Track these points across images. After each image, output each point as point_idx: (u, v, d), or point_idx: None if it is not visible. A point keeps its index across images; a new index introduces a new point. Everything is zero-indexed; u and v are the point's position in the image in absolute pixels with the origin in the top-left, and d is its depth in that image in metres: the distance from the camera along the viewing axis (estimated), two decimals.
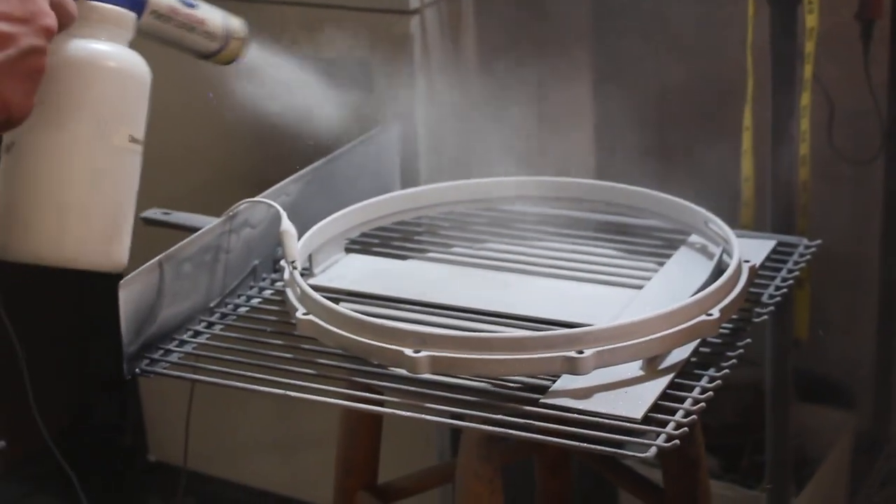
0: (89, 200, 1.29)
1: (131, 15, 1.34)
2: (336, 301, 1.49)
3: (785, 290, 1.57)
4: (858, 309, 2.48)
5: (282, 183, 1.68)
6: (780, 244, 1.68)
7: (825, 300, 2.39)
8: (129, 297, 1.43)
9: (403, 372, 1.36)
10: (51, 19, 1.16)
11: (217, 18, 1.47)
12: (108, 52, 1.30)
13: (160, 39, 1.42)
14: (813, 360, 2.46)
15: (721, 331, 1.43)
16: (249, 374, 1.41)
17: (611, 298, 1.54)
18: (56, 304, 2.57)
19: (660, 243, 1.70)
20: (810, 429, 2.35)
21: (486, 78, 2.11)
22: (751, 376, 2.27)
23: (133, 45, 1.34)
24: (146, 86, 1.34)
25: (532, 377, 1.36)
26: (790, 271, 1.62)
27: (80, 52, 1.28)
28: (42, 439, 2.16)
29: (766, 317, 1.51)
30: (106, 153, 1.30)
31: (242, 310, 1.58)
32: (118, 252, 1.32)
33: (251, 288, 1.63)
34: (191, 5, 1.44)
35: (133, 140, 1.32)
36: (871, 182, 2.38)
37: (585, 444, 1.27)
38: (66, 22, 1.20)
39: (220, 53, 1.49)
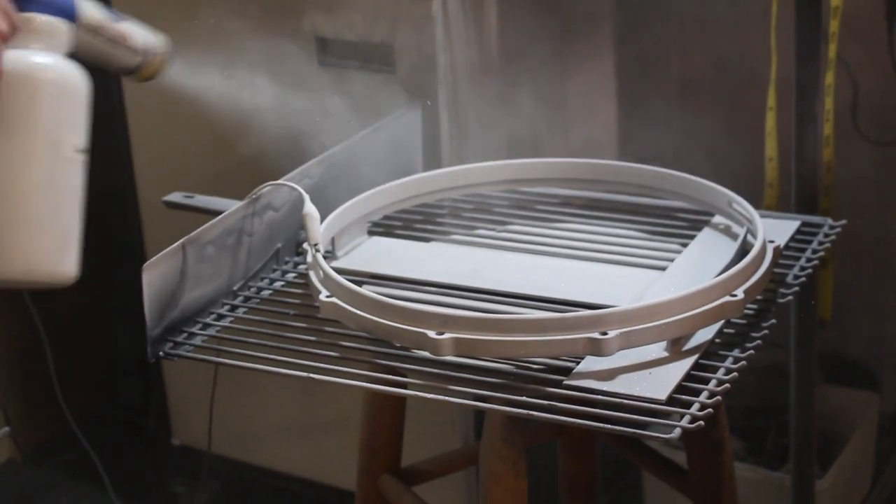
0: (40, 213, 1.29)
1: (69, 26, 1.35)
2: (359, 284, 1.49)
3: (810, 270, 1.57)
4: (883, 290, 2.47)
5: (304, 166, 1.68)
6: (804, 225, 1.67)
7: (849, 281, 2.38)
8: (152, 280, 1.43)
9: (426, 354, 1.36)
10: (4, 25, 1.16)
11: (139, 34, 1.48)
12: (49, 64, 1.30)
13: (87, 54, 1.42)
14: (837, 342, 2.46)
15: (745, 312, 1.42)
16: (273, 356, 1.41)
17: (634, 279, 1.53)
18: (80, 289, 2.57)
19: (683, 224, 1.69)
20: (835, 410, 2.34)
21: (509, 59, 2.10)
22: (774, 358, 2.26)
23: None
24: (87, 95, 1.34)
25: (555, 359, 1.36)
26: (815, 252, 1.61)
27: (22, 64, 1.28)
28: (67, 424, 2.17)
29: (790, 298, 1.50)
30: (55, 164, 1.29)
31: (265, 293, 1.58)
32: (69, 264, 1.31)
33: (274, 271, 1.63)
34: (117, 19, 1.45)
35: (78, 150, 1.32)
36: (894, 163, 2.37)
37: (609, 426, 1.26)
38: (9, 33, 1.20)
39: (141, 70, 1.50)
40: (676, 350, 1.36)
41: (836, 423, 2.33)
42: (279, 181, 1.62)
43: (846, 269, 2.27)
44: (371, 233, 1.71)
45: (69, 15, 1.37)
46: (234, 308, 1.55)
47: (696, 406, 1.28)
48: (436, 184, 1.75)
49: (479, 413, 1.37)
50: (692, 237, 1.64)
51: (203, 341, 1.48)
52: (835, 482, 2.18)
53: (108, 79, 2.44)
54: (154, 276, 1.43)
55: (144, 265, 1.42)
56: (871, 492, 2.35)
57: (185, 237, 1.49)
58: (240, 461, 2.47)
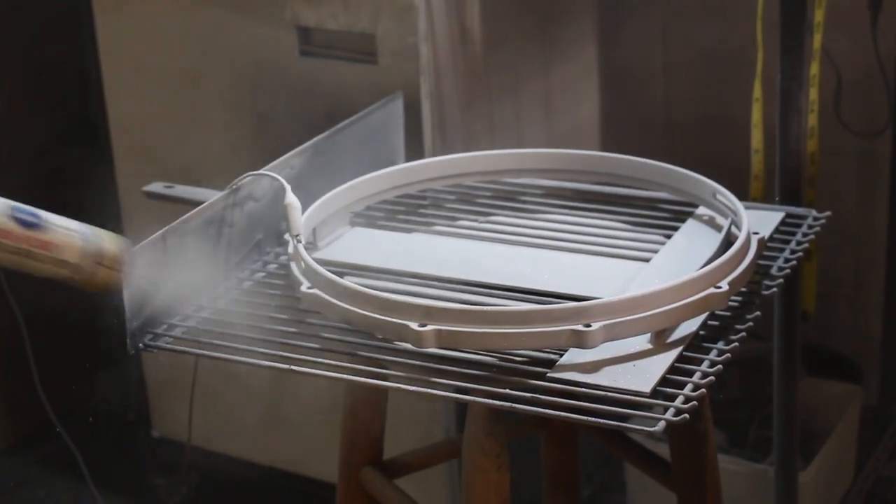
0: None
1: None
2: (341, 275, 1.48)
3: (794, 262, 1.56)
4: (866, 282, 2.47)
5: (286, 156, 1.67)
6: (788, 216, 1.67)
7: (833, 273, 2.38)
8: (132, 271, 1.41)
9: (409, 346, 1.35)
10: None
11: (75, 242, 1.24)
12: None
13: None
14: (820, 334, 2.45)
15: (730, 304, 1.41)
16: (253, 348, 1.40)
17: (618, 271, 1.52)
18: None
19: (667, 215, 1.68)
20: (818, 403, 2.34)
21: (491, 50, 2.09)
22: (758, 350, 2.26)
23: None
24: None
25: (539, 351, 1.35)
26: (799, 243, 1.60)
27: None
28: (47, 416, 2.15)
29: (775, 289, 1.50)
30: None
31: (246, 284, 1.57)
32: None
33: (255, 262, 1.62)
34: (32, 225, 1.21)
35: None
36: (878, 154, 2.37)
37: (593, 419, 1.26)
38: None
39: (84, 282, 1.27)
40: (661, 342, 1.35)
41: (818, 415, 2.33)
42: (260, 171, 1.61)
43: (830, 260, 2.27)
44: (353, 223, 1.70)
45: None
46: (214, 299, 1.53)
47: (680, 399, 1.27)
48: (418, 174, 1.74)
49: (462, 405, 1.36)
50: (676, 228, 1.63)
51: (183, 333, 1.46)
52: (817, 474, 2.19)
53: (88, 63, 2.43)
54: (134, 267, 1.42)
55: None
56: (854, 484, 2.35)
57: (166, 228, 1.48)
58: (220, 453, 2.46)
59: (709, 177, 1.64)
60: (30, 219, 1.21)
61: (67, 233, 1.24)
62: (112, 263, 1.27)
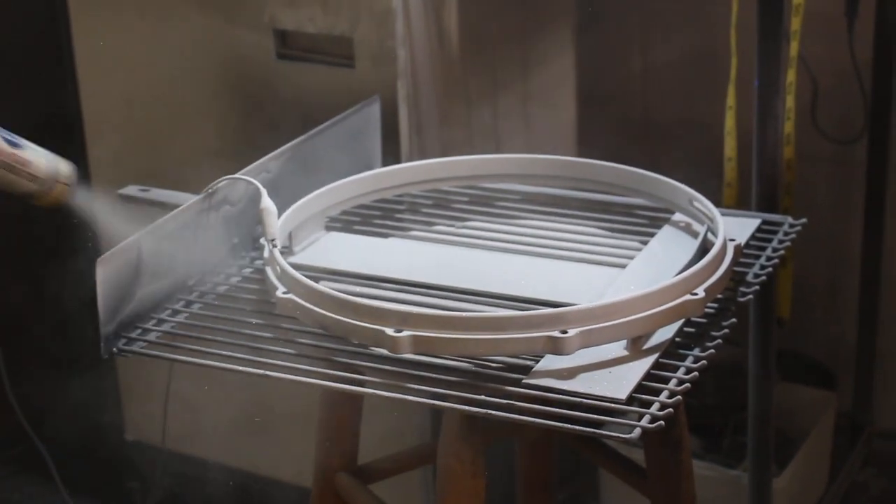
0: None
1: None
2: (316, 280, 1.47)
3: (770, 269, 1.56)
4: (841, 289, 2.48)
5: (262, 160, 1.66)
6: (764, 223, 1.67)
7: (808, 279, 2.38)
8: (106, 275, 1.41)
9: (384, 352, 1.35)
10: None
11: (42, 161, 1.48)
12: None
13: None
14: (795, 340, 2.46)
15: (706, 310, 1.41)
16: (228, 353, 1.40)
17: (594, 277, 1.52)
18: (33, 282, 2.54)
19: (644, 221, 1.68)
20: (792, 409, 2.34)
21: (469, 54, 2.09)
22: (733, 356, 2.26)
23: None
24: None
25: (515, 357, 1.35)
26: (775, 250, 1.61)
27: None
28: (17, 420, 2.14)
29: (750, 296, 1.50)
30: None
31: (221, 288, 1.56)
32: None
33: (230, 266, 1.61)
34: (15, 144, 1.46)
35: None
36: (854, 161, 2.37)
37: (568, 426, 1.26)
38: None
39: (42, 197, 1.50)
40: (636, 349, 1.35)
41: (793, 421, 2.34)
42: (236, 175, 1.60)
43: (805, 267, 2.28)
44: (329, 228, 1.69)
45: None
46: (189, 304, 1.53)
47: (656, 406, 1.27)
48: (395, 179, 1.74)
49: (437, 411, 1.35)
50: (652, 234, 1.63)
51: (157, 337, 1.46)
52: (792, 480, 2.19)
53: (64, 68, 2.42)
54: (108, 270, 1.41)
55: (98, 259, 1.40)
56: (828, 490, 2.35)
57: (141, 231, 1.47)
58: (194, 457, 2.45)
59: (686, 183, 1.64)
60: (13, 139, 1.45)
61: (37, 153, 1.48)
62: (66, 181, 1.50)
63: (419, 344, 1.33)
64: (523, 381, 1.31)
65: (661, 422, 1.25)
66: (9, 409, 2.16)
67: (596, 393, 1.28)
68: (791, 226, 1.67)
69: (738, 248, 1.50)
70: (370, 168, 1.80)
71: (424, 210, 1.75)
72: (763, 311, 1.86)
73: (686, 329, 1.41)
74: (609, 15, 2.48)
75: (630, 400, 1.28)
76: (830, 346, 2.50)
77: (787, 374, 2.38)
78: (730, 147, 2.00)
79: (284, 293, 1.43)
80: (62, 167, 1.51)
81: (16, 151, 1.45)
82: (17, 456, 2.55)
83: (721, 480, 2.20)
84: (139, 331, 1.46)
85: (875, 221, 2.34)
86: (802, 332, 2.48)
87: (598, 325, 1.32)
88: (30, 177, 1.47)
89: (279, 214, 1.56)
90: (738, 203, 2.01)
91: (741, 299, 1.49)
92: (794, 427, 2.33)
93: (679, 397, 1.29)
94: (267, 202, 1.54)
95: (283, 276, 1.46)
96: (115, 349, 1.43)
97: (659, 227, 1.65)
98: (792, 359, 2.43)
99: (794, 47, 1.89)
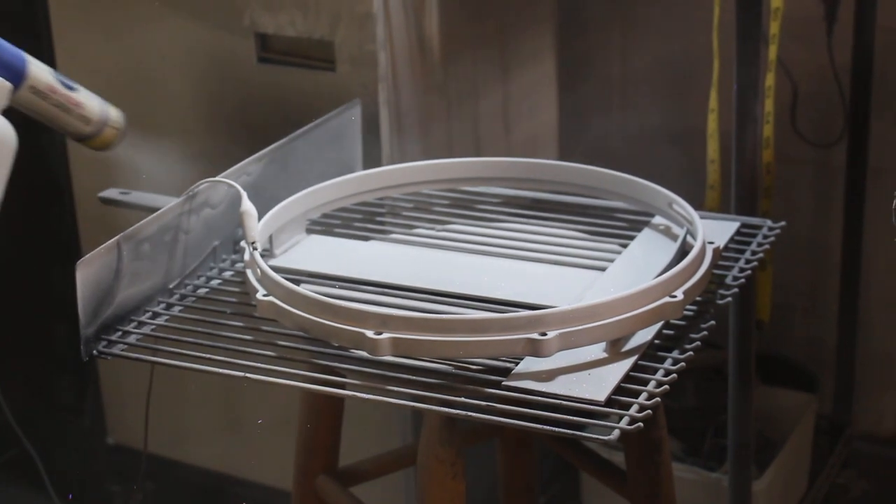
0: None
1: (7, 85, 1.43)
2: (297, 282, 1.47)
3: (749, 271, 1.57)
4: (820, 291, 2.49)
5: (242, 163, 1.66)
6: (743, 226, 1.67)
7: (788, 282, 2.39)
8: (86, 277, 1.41)
9: (364, 354, 1.35)
10: None
11: (95, 105, 1.55)
12: None
13: (34, 113, 1.51)
14: (775, 343, 2.47)
15: (685, 313, 1.42)
16: (209, 356, 1.40)
17: (574, 280, 1.53)
18: (15, 285, 2.54)
19: (624, 224, 1.69)
20: (772, 411, 2.35)
21: (450, 58, 2.09)
22: (713, 359, 2.27)
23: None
24: (11, 153, 1.41)
25: (494, 359, 1.35)
26: (754, 253, 1.61)
27: None
28: (5, 421, 2.14)
29: (729, 299, 1.51)
30: None
31: (202, 291, 1.57)
32: None
33: (211, 269, 1.61)
34: (70, 87, 1.52)
35: None
36: (833, 164, 2.38)
37: (547, 427, 1.26)
38: None
39: (94, 139, 1.57)
40: (616, 351, 1.36)
41: (773, 423, 2.34)
42: (217, 178, 1.60)
43: (785, 270, 2.29)
44: (310, 231, 1.69)
45: (17, 75, 1.46)
46: (169, 306, 1.53)
47: (634, 407, 1.28)
48: (375, 182, 1.74)
49: (418, 413, 1.36)
50: (632, 237, 1.64)
51: (138, 340, 1.46)
52: (772, 483, 2.20)
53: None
54: (88, 273, 1.41)
55: (78, 262, 1.40)
56: (808, 492, 2.36)
57: (121, 234, 1.47)
58: (176, 460, 2.45)
59: (668, 186, 1.65)
60: (68, 83, 1.52)
61: (90, 97, 1.55)
62: (116, 125, 1.58)
63: (399, 346, 1.33)
64: (503, 382, 1.31)
65: (640, 423, 1.26)
66: None
67: (575, 395, 1.28)
68: (770, 229, 1.68)
69: (716, 251, 1.51)
70: (351, 171, 1.80)
71: (405, 213, 1.75)
72: (743, 313, 1.87)
73: (665, 331, 1.41)
74: (590, 17, 2.49)
75: (609, 402, 1.28)
76: (810, 348, 2.51)
77: (767, 377, 2.39)
78: (713, 149, 2.01)
79: (265, 296, 1.44)
80: (112, 112, 1.57)
81: (70, 94, 1.51)
82: (1, 457, 2.55)
83: (701, 483, 2.20)
84: (119, 333, 1.46)
85: (854, 224, 2.35)
86: (783, 334, 2.48)
87: (577, 328, 1.33)
88: (83, 118, 1.53)
89: (260, 217, 1.56)
90: (721, 205, 2.02)
91: (720, 302, 1.50)
92: (775, 429, 2.34)
93: (657, 399, 1.30)
94: (247, 205, 1.55)
95: (264, 279, 1.46)
96: (95, 351, 1.44)
97: (639, 230, 1.66)
98: (772, 361, 2.44)
99: (772, 51, 1.90)
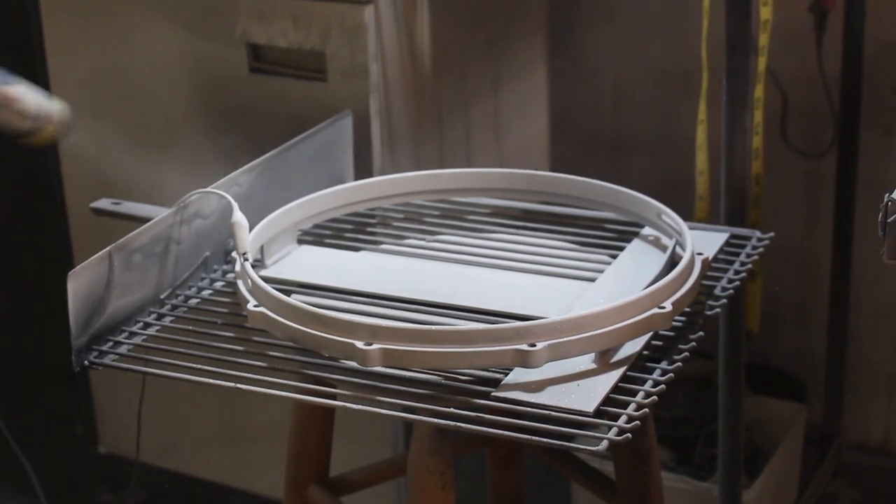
0: None
1: None
2: (288, 293, 1.48)
3: (738, 282, 1.58)
4: (810, 302, 2.49)
5: (234, 173, 1.67)
6: (732, 237, 1.68)
7: (777, 292, 2.40)
8: (77, 288, 1.41)
9: (355, 365, 1.35)
10: None
11: (31, 100, 1.51)
12: None
13: None
14: (765, 353, 2.48)
15: (674, 323, 1.43)
16: (200, 366, 1.40)
17: (563, 291, 1.53)
18: (7, 294, 2.54)
19: (613, 235, 1.70)
20: (762, 421, 2.36)
21: (441, 69, 2.10)
22: (703, 369, 2.28)
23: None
24: None
25: (484, 370, 1.36)
26: (743, 264, 1.62)
27: None
28: None
29: (718, 310, 1.51)
30: None
31: (193, 301, 1.57)
32: None
33: (202, 279, 1.62)
34: (6, 83, 1.49)
35: None
36: (823, 175, 2.39)
37: (536, 438, 1.26)
38: None
39: (32, 135, 1.53)
40: (605, 362, 1.36)
41: (763, 433, 2.35)
42: (208, 189, 1.61)
43: (774, 280, 2.29)
44: (301, 241, 1.70)
45: None
46: (161, 317, 1.53)
47: (623, 418, 1.28)
48: (366, 193, 1.75)
49: (409, 423, 1.36)
50: (622, 248, 1.64)
51: (129, 350, 1.46)
52: (762, 492, 2.20)
53: (37, 82, 2.42)
54: (79, 283, 1.42)
55: (69, 273, 1.40)
56: (798, 501, 2.37)
57: (113, 244, 1.48)
58: (168, 470, 2.45)
59: (657, 197, 1.65)
60: (4, 78, 1.49)
61: (27, 92, 1.51)
62: (58, 123, 1.54)
63: (389, 357, 1.34)
64: (492, 393, 1.31)
65: (629, 434, 1.26)
66: None
67: (564, 406, 1.29)
68: (759, 239, 1.68)
69: (705, 262, 1.52)
70: (342, 182, 1.81)
71: (396, 224, 1.76)
72: (732, 324, 1.87)
73: (654, 342, 1.42)
74: (581, 29, 2.50)
75: (598, 413, 1.29)
76: (800, 358, 2.51)
77: (757, 387, 2.40)
78: (701, 160, 2.02)
79: (256, 306, 1.44)
80: (56, 107, 1.53)
81: (5, 89, 1.48)
82: None
83: (692, 492, 2.21)
84: (110, 343, 1.46)
85: (844, 234, 2.35)
86: (772, 344, 2.49)
87: (566, 339, 1.33)
88: (18, 114, 1.50)
89: (251, 228, 1.56)
90: (710, 216, 2.02)
91: (709, 312, 1.50)
92: (765, 439, 2.34)
93: (646, 410, 1.30)
94: (238, 216, 1.55)
95: (255, 290, 1.46)
96: (86, 362, 1.44)
97: (628, 240, 1.66)
98: (762, 371, 2.44)
99: (762, 62, 1.91)
